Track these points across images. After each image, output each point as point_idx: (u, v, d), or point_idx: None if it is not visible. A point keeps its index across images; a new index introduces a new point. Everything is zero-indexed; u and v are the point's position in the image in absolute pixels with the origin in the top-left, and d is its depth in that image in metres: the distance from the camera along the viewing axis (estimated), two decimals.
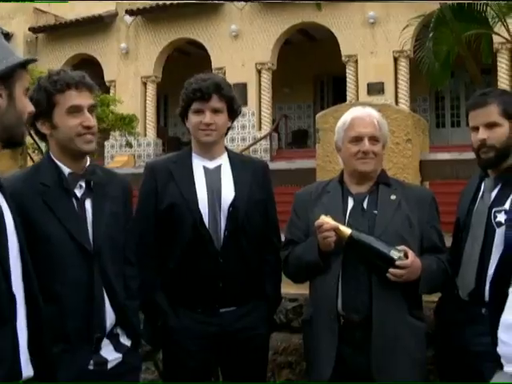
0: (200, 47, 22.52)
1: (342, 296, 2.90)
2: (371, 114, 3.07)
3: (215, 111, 3.12)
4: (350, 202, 3.03)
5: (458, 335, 2.95)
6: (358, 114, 3.07)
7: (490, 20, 10.54)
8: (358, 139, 3.00)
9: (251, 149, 20.41)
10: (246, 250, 3.13)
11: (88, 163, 2.76)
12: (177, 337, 3.08)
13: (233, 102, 3.16)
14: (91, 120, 2.66)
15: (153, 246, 3.12)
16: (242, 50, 21.68)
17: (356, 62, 20.74)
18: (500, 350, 2.18)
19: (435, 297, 3.24)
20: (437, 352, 3.27)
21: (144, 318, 3.15)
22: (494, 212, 2.90)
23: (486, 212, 2.92)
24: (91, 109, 2.67)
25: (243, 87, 21.42)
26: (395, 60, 20.37)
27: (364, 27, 20.44)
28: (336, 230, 2.85)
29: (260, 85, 21.87)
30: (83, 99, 2.64)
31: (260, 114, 21.94)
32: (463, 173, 3.94)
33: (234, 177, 3.16)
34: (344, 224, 2.91)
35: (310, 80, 23.77)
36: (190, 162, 3.18)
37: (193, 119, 3.15)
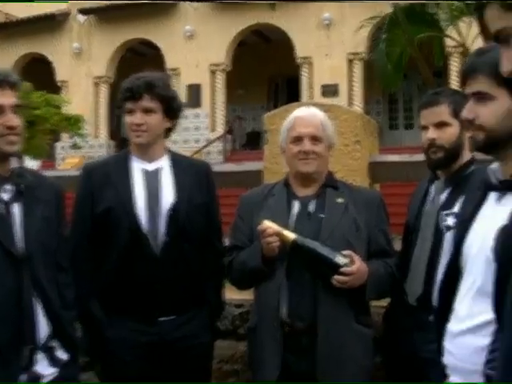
0: (154, 48, 22.34)
1: (286, 303, 2.81)
2: (314, 113, 3.00)
3: (147, 111, 2.99)
4: (296, 206, 2.95)
5: (407, 341, 2.88)
6: (300, 113, 3.01)
7: (441, 23, 10.60)
8: (299, 139, 2.93)
9: (205, 150, 20.38)
10: (187, 255, 3.01)
11: (15, 165, 2.60)
12: (113, 347, 2.95)
13: (169, 101, 3.03)
14: (14, 120, 2.50)
15: (88, 252, 3.00)
16: (196, 50, 21.56)
17: (311, 63, 20.78)
18: (445, 359, 2.09)
19: (384, 302, 3.18)
20: (385, 358, 3.22)
21: (81, 329, 3.01)
22: (443, 215, 2.83)
23: (435, 215, 2.86)
24: (14, 108, 2.51)
25: (197, 88, 21.52)
26: (350, 62, 20.50)
27: (319, 29, 20.49)
28: (279, 235, 2.76)
29: (214, 86, 21.86)
30: (5, 98, 2.49)
31: (214, 115, 21.91)
32: (414, 175, 3.87)
33: (174, 179, 3.05)
34: (289, 228, 2.83)
35: (265, 81, 23.75)
36: (128, 165, 3.06)
37: (126, 119, 3.04)
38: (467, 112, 1.93)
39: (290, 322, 2.80)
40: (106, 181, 3.00)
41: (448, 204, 2.85)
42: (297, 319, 2.79)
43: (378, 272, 2.84)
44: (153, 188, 3.00)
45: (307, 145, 2.91)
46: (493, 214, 1.95)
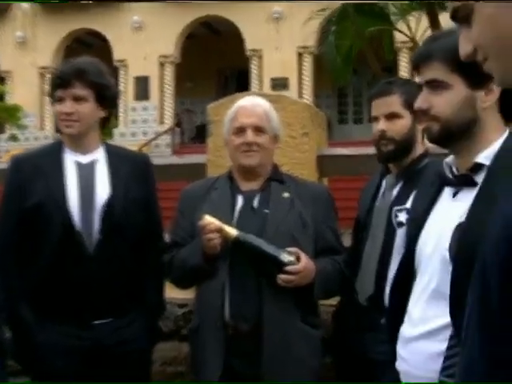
0: (101, 38, 22.03)
1: (229, 303, 2.68)
2: (258, 103, 2.86)
3: (78, 99, 2.80)
4: (240, 200, 2.81)
5: (358, 342, 2.77)
6: (243, 103, 2.88)
7: (391, 17, 10.56)
8: (241, 130, 2.79)
9: (153, 143, 20.21)
10: (124, 253, 2.83)
11: None
12: (43, 353, 2.75)
13: (102, 88, 2.83)
14: None
15: (16, 250, 2.79)
16: (144, 42, 21.28)
17: (260, 56, 20.70)
18: (399, 365, 1.97)
19: (334, 301, 3.07)
20: (336, 358, 3.12)
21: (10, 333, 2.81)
22: (395, 211, 2.71)
23: (387, 211, 2.74)
24: None
25: (145, 80, 21.37)
26: (299, 56, 20.50)
27: (268, 22, 20.42)
28: (221, 231, 2.62)
29: (163, 78, 21.68)
30: None
31: (162, 108, 21.73)
32: (364, 168, 3.76)
33: (110, 172, 2.86)
34: (232, 224, 2.70)
35: (214, 74, 23.59)
36: (61, 157, 2.86)
37: (56, 108, 2.86)
38: (421, 102, 1.83)
39: (233, 324, 2.67)
40: (37, 173, 2.80)
41: (400, 199, 2.73)
42: (241, 320, 2.67)
43: (325, 270, 2.72)
44: (87, 182, 2.81)
45: (250, 136, 2.77)
46: (448, 210, 1.84)
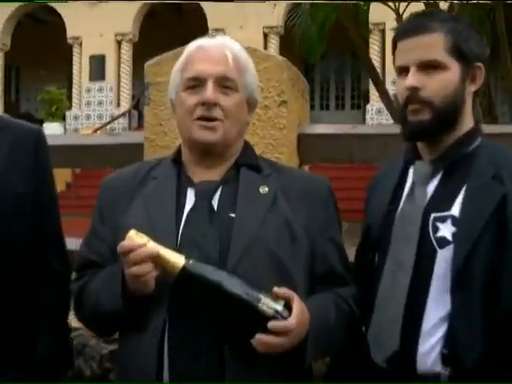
0: (55, 14, 20.80)
1: (168, 364, 1.66)
2: (225, 44, 1.84)
3: None
4: (190, 198, 1.78)
5: None
6: (203, 42, 1.85)
7: None
8: (196, 83, 1.78)
9: (108, 127, 19.44)
10: None
11: None
12: None
13: None
14: None
15: None
16: (100, 18, 20.18)
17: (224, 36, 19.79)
18: None
19: None
20: None
21: None
22: (434, 220, 1.72)
23: (419, 220, 1.72)
24: None
25: (101, 59, 20.60)
26: (265, 36, 19.93)
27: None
28: (157, 258, 1.61)
29: (120, 58, 20.89)
30: None
31: (119, 89, 20.95)
32: (360, 154, 2.75)
33: None
34: (176, 238, 1.70)
35: None
36: None
37: None
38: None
39: None
40: None
41: (440, 201, 1.74)
42: None
43: (326, 318, 1.70)
44: None
45: (210, 92, 1.75)
46: None
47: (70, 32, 20.39)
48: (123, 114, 20.17)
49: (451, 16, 2.02)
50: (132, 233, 1.61)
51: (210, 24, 19.72)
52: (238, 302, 1.54)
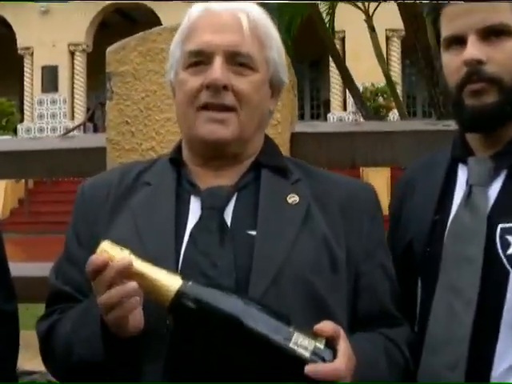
0: (4, 23, 20.74)
1: None
2: (240, 8, 1.40)
3: None
4: (195, 210, 1.37)
5: None
6: (209, 5, 1.42)
7: None
8: (201, 57, 1.36)
9: None
10: None
11: None
12: None
13: None
14: None
15: None
16: (52, 28, 20.09)
17: None
18: None
19: None
20: None
21: None
22: (502, 232, 1.32)
23: (484, 233, 1.32)
24: None
25: (54, 70, 20.46)
26: None
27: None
28: (141, 279, 1.17)
29: (73, 68, 20.83)
30: None
31: (73, 101, 20.91)
32: (362, 157, 2.35)
33: None
34: (175, 264, 1.29)
35: None
36: None
37: None
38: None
39: None
40: None
41: (508, 208, 1.34)
42: None
43: (374, 370, 1.28)
44: None
45: (217, 70, 1.33)
46: None
47: (22, 42, 20.28)
48: (78, 127, 19.88)
49: None
50: (105, 244, 1.16)
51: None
52: (268, 342, 1.12)
